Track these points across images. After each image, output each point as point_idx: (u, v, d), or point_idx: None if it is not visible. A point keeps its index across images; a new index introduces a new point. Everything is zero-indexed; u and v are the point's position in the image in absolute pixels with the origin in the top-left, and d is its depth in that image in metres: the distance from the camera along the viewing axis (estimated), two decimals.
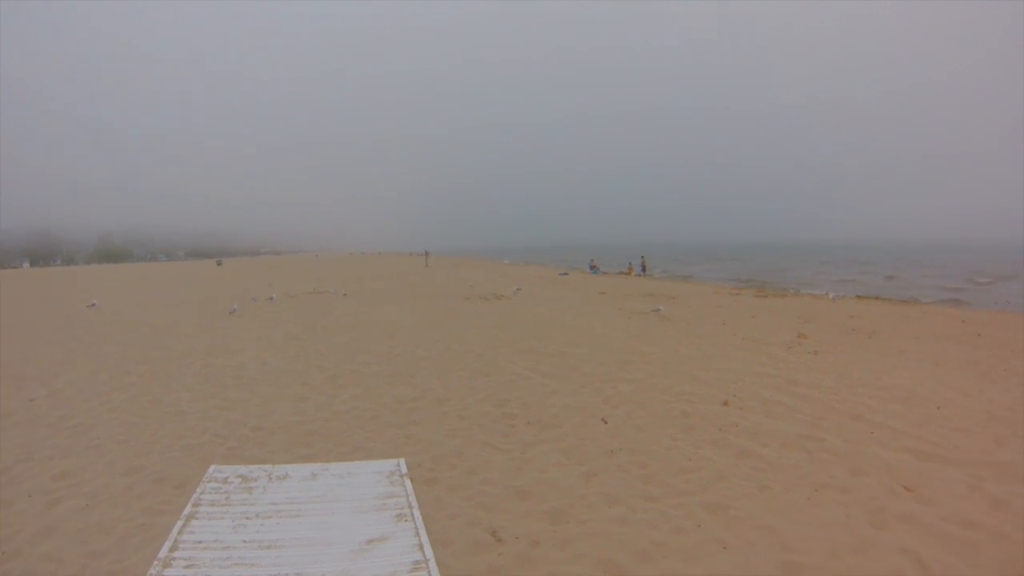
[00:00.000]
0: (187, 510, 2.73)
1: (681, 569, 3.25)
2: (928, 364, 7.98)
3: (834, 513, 3.80)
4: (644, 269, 33.33)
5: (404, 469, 3.17)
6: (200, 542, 2.46)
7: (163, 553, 2.37)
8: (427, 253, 57.45)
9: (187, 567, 2.29)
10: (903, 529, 3.60)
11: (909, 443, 4.89)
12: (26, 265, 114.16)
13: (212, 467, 3.25)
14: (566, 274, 32.12)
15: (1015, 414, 5.62)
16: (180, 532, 2.53)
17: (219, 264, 64.99)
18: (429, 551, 2.39)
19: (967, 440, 4.94)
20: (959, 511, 3.76)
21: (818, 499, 3.99)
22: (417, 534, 2.51)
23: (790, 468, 4.48)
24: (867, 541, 3.49)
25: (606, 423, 5.53)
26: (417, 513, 2.68)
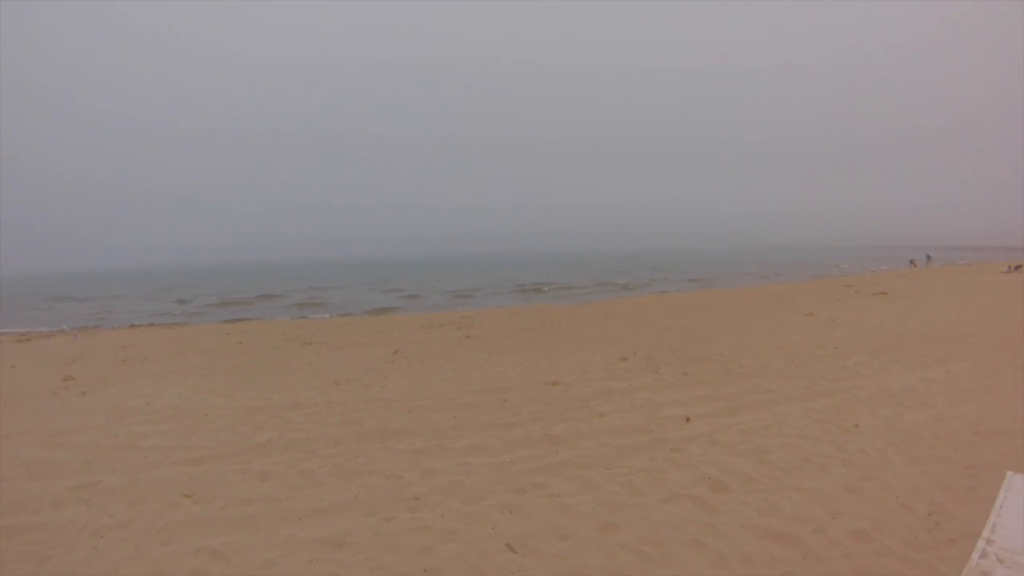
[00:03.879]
0: None
1: None
2: (194, 377, 8.76)
3: (124, 551, 3.56)
4: None
5: None
6: None
7: None
8: None
9: None
10: (190, 533, 3.79)
11: (182, 455, 5.19)
12: None
13: None
14: None
15: (269, 402, 6.99)
16: None
17: None
18: None
19: (232, 436, 5.74)
20: (233, 496, 4.29)
21: (102, 545, 3.63)
22: None
23: (67, 528, 3.89)
24: (162, 559, 3.48)
25: None
26: None
